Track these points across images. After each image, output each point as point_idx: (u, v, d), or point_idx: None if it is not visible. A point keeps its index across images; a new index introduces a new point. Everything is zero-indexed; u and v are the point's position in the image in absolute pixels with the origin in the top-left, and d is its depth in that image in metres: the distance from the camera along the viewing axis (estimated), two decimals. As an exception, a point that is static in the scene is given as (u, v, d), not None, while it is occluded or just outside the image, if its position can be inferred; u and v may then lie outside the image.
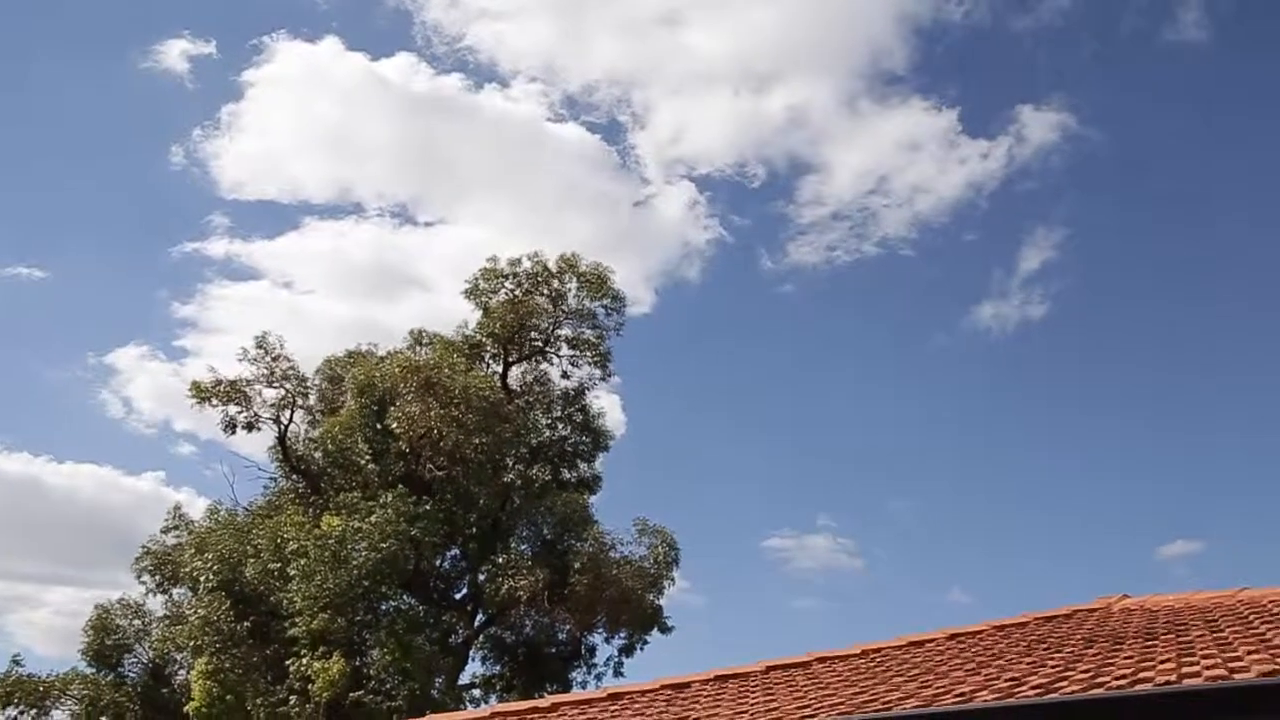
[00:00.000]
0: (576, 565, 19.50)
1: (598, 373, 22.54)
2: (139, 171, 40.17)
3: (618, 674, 20.83)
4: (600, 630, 21.15)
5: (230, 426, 20.25)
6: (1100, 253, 35.86)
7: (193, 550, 19.44)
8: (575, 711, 6.71)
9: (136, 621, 21.35)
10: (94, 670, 20.81)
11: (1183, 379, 35.22)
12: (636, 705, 6.53)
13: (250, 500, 21.65)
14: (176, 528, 21.28)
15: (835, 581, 34.81)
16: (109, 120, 39.21)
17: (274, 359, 20.58)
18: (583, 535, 20.22)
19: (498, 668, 21.65)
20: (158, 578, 20.90)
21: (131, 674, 21.14)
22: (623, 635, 21.11)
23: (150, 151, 39.86)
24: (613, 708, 6.61)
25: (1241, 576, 7.85)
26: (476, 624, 21.20)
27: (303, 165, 39.79)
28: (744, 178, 36.14)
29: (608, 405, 23.70)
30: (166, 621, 20.77)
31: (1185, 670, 4.40)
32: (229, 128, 35.63)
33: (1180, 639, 5.64)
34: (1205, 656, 4.77)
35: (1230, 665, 4.37)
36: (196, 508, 26.16)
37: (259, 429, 20.55)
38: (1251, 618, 6.19)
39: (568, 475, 22.51)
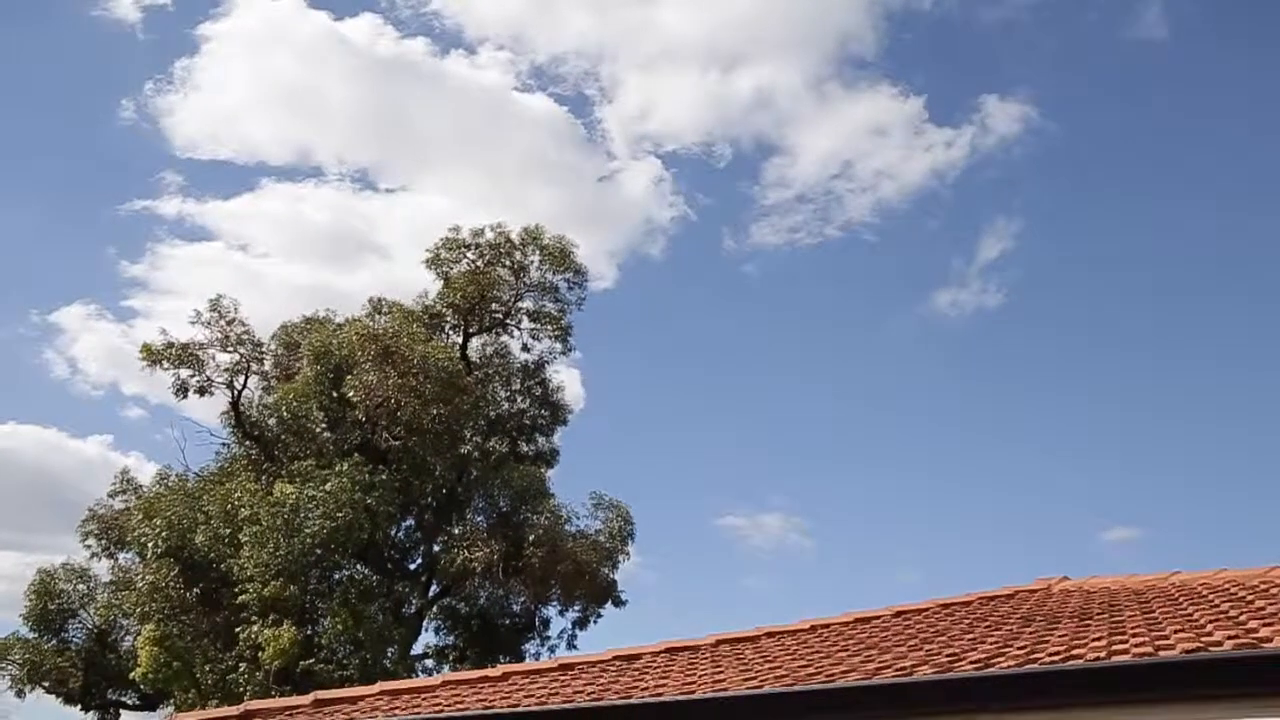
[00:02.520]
0: (532, 538, 19.56)
1: (558, 346, 22.51)
2: (87, 124, 38.92)
3: (571, 646, 21.03)
4: (554, 603, 21.28)
5: (182, 391, 19.90)
6: (1055, 245, 36.48)
7: (141, 515, 19.13)
8: (526, 680, 6.77)
9: (81, 586, 21.02)
10: (36, 635, 20.47)
11: (1131, 371, 36.13)
12: (587, 675, 6.61)
13: (202, 466, 21.35)
14: (124, 492, 20.94)
15: (787, 560, 35.33)
16: (55, 69, 37.87)
17: (228, 322, 20.22)
18: (539, 508, 20.26)
19: (451, 638, 21.70)
20: (104, 542, 20.58)
21: (76, 639, 20.85)
22: (577, 608, 21.28)
23: (99, 104, 38.63)
24: (563, 677, 6.68)
25: (1179, 562, 8.12)
26: (430, 594, 21.19)
27: (260, 125, 38.99)
28: (710, 157, 36.08)
29: (567, 379, 23.73)
30: (113, 587, 20.47)
31: (1115, 647, 4.57)
32: (183, 83, 34.61)
33: (1113, 619, 5.85)
34: (1135, 635, 4.96)
35: (1157, 643, 4.55)
36: (145, 472, 25.76)
37: (212, 394, 20.23)
38: (1182, 600, 6.43)
39: (525, 448, 22.52)
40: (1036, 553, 32.57)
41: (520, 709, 5.47)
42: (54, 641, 20.58)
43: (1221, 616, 5.22)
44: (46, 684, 20.01)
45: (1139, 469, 35.44)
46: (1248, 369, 34.03)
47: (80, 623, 20.97)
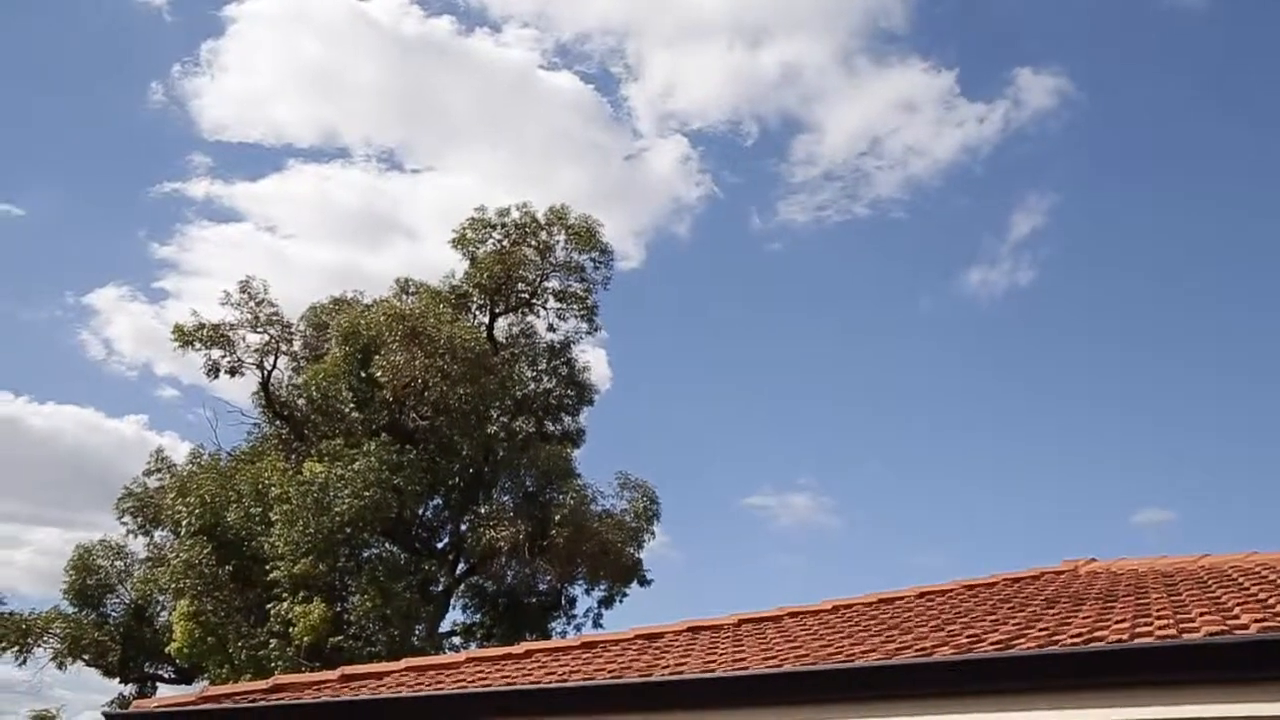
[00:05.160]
0: (557, 517, 19.69)
1: (584, 326, 22.57)
2: (117, 107, 39.42)
3: (597, 625, 21.21)
4: (580, 581, 21.45)
5: (213, 371, 20.22)
6: (1090, 221, 35.88)
7: (175, 493, 19.50)
8: (548, 658, 6.83)
9: (118, 562, 21.49)
10: (76, 609, 20.98)
11: (1164, 350, 35.54)
12: (609, 653, 6.65)
13: (233, 445, 21.72)
14: (158, 470, 21.33)
15: (815, 540, 35.32)
16: (85, 52, 38.36)
17: (258, 303, 20.48)
18: (564, 488, 20.38)
19: (478, 616, 21.96)
20: (139, 519, 20.99)
21: (113, 614, 21.33)
22: (602, 587, 21.43)
23: (128, 87, 39.14)
24: (585, 655, 6.73)
25: (1211, 545, 8.01)
26: (457, 573, 21.44)
27: (287, 107, 39.14)
28: (737, 134, 35.84)
29: (593, 359, 23.84)
30: (148, 563, 20.92)
31: (1139, 630, 4.53)
32: (210, 65, 34.93)
33: (1139, 601, 5.79)
34: (1160, 617, 4.90)
35: (1181, 626, 4.49)
36: (179, 451, 26.25)
37: (242, 374, 20.54)
38: (1210, 582, 6.35)
39: (551, 428, 22.63)
40: (1067, 533, 32.27)
41: (541, 685, 5.52)
42: (93, 616, 21.09)
43: (1249, 599, 5.14)
44: (86, 657, 20.52)
45: (1172, 450, 34.96)
46: (1286, 349, 33.31)
47: (118, 598, 21.46)
